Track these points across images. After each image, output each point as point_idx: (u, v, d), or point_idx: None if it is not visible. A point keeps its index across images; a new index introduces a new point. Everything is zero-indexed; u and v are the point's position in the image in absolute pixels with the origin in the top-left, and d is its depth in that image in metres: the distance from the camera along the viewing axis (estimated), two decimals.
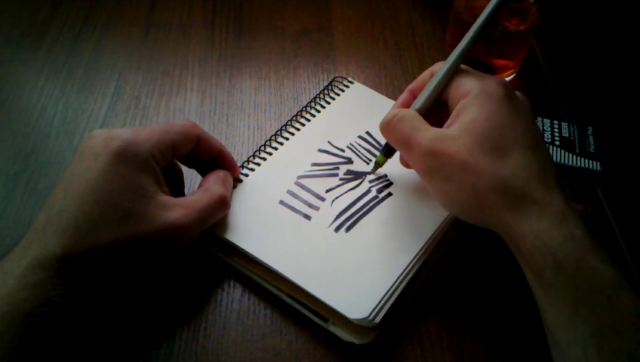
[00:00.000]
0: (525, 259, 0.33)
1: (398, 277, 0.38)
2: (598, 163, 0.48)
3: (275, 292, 0.39)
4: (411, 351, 0.37)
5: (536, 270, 0.33)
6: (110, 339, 0.37)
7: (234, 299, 0.40)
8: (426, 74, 0.41)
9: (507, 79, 0.56)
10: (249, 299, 0.40)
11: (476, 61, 0.54)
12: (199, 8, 0.62)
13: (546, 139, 0.49)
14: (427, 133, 0.36)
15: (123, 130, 0.36)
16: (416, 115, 0.38)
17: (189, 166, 0.42)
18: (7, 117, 0.51)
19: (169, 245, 0.36)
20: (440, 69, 0.39)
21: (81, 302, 0.33)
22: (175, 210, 0.36)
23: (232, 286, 0.40)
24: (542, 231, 0.32)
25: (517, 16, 0.52)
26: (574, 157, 0.48)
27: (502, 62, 0.54)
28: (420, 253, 0.39)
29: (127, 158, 0.34)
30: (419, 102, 0.40)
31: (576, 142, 0.50)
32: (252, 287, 0.40)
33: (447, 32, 0.57)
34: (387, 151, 0.42)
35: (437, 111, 0.40)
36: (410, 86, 0.42)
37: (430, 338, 0.38)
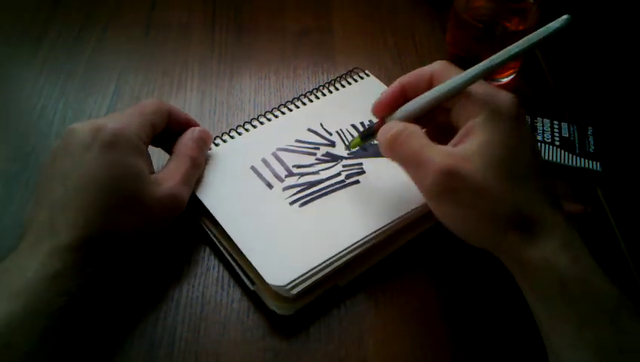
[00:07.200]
0: (531, 281, 0.33)
1: (329, 259, 0.38)
2: (598, 163, 0.48)
3: (222, 249, 0.41)
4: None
5: (541, 293, 0.32)
6: (110, 339, 0.37)
7: (234, 298, 0.40)
8: (425, 70, 0.38)
9: (507, 79, 0.56)
10: (249, 298, 0.40)
11: (476, 61, 0.54)
12: (199, 8, 0.62)
13: (546, 139, 0.49)
14: (439, 151, 0.34)
15: (104, 120, 0.38)
16: (421, 131, 0.36)
17: (155, 145, 0.43)
18: (7, 117, 0.51)
19: (170, 216, 0.39)
20: (452, 80, 0.36)
21: (97, 291, 0.35)
22: (166, 183, 0.38)
23: (232, 286, 0.40)
24: (550, 254, 0.32)
25: (517, 16, 0.52)
26: (574, 157, 0.48)
27: None
28: (359, 244, 0.39)
29: (119, 145, 0.36)
30: (414, 106, 0.37)
31: (576, 142, 0.50)
32: (250, 290, 0.40)
33: (447, 32, 0.57)
34: (366, 135, 0.41)
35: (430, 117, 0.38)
36: (403, 79, 0.39)
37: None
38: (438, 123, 0.39)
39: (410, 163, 0.36)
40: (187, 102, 0.52)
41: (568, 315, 0.31)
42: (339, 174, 0.44)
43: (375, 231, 0.40)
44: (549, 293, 0.32)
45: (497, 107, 0.35)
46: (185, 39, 0.59)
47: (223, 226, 0.40)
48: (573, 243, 0.33)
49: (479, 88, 0.36)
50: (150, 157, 0.40)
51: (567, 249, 0.32)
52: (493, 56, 0.36)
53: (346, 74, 0.52)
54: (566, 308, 0.31)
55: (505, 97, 0.35)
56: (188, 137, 0.42)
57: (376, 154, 0.45)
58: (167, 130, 0.42)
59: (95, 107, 0.52)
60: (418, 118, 0.38)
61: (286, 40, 0.59)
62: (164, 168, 0.40)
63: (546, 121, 0.51)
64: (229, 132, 0.46)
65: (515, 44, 0.35)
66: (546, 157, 0.48)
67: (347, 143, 0.46)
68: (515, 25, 0.52)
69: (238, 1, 0.63)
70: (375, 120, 0.42)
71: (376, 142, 0.39)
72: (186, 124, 0.43)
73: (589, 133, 0.50)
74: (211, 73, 0.55)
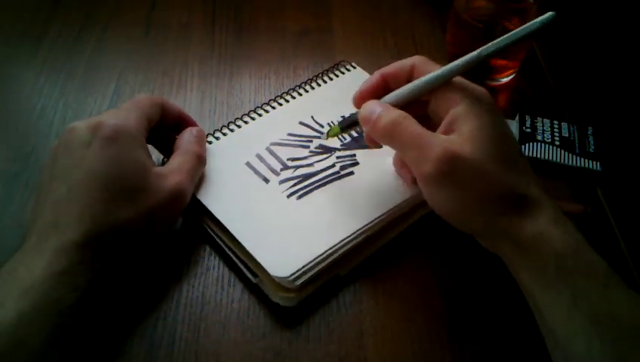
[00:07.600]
0: (528, 259, 0.34)
1: (330, 249, 0.39)
2: (598, 163, 0.48)
3: (223, 246, 0.41)
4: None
5: (537, 268, 0.33)
6: (111, 339, 0.37)
7: (234, 298, 0.40)
8: (406, 62, 0.39)
9: (507, 79, 0.56)
10: (249, 298, 0.40)
11: None
12: (199, 8, 0.62)
13: (546, 139, 0.49)
14: (437, 137, 0.35)
15: (103, 116, 0.38)
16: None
17: (147, 142, 0.42)
18: (7, 117, 0.51)
19: (175, 210, 0.39)
20: (441, 69, 0.37)
21: (106, 288, 0.35)
22: (171, 177, 0.38)
23: (232, 286, 0.40)
24: (544, 229, 0.33)
25: (517, 16, 0.52)
26: (574, 157, 0.48)
27: (502, 62, 0.54)
28: (358, 233, 0.40)
29: (120, 140, 0.36)
30: (401, 94, 0.38)
31: (576, 142, 0.50)
32: (252, 287, 0.40)
33: (447, 32, 0.57)
34: (346, 126, 0.41)
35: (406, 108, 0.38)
36: (384, 70, 0.40)
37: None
38: (415, 115, 0.39)
39: (411, 147, 0.36)
40: (187, 102, 0.52)
41: (563, 287, 0.32)
42: (333, 165, 0.45)
43: (372, 221, 0.41)
44: (545, 267, 0.33)
45: (476, 96, 0.36)
46: (185, 39, 0.58)
47: (223, 223, 0.40)
48: (561, 217, 0.34)
49: (456, 80, 0.37)
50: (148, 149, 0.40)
51: (558, 223, 0.34)
52: (481, 48, 0.37)
53: (332, 67, 0.53)
54: (561, 280, 0.32)
55: (480, 89, 0.37)
56: (190, 135, 0.43)
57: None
58: (160, 124, 0.42)
59: (95, 107, 0.52)
60: (401, 108, 0.38)
61: (286, 40, 0.59)
62: (169, 163, 0.40)
63: (546, 121, 0.51)
64: (221, 129, 0.47)
65: (502, 37, 0.37)
66: (546, 157, 0.48)
67: (325, 132, 0.44)
68: (515, 25, 0.52)
69: (238, 1, 0.63)
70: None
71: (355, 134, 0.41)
72: (179, 118, 0.44)
73: (589, 133, 0.50)
74: (211, 73, 0.55)
